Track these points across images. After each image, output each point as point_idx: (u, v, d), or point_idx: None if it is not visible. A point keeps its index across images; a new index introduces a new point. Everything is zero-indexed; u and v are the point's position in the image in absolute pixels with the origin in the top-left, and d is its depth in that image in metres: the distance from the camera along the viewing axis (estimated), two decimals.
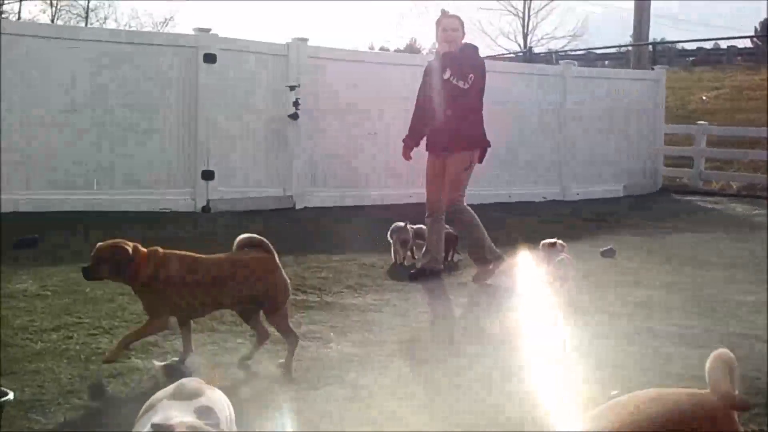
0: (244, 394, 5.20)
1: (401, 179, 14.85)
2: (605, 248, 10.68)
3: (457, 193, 8.89)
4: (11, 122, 11.83)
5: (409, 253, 9.63)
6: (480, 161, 9.02)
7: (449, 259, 9.63)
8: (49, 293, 7.44)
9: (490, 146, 9.03)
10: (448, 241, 9.41)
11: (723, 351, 3.14)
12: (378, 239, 9.93)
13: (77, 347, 5.97)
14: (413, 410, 5.04)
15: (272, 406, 5.01)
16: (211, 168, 13.21)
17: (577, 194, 17.00)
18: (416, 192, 14.89)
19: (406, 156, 9.20)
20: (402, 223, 9.61)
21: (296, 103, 13.75)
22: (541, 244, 8.33)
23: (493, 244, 9.00)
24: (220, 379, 5.42)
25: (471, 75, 8.69)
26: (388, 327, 6.92)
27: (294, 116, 13.77)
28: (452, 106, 8.72)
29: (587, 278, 9.12)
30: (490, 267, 8.83)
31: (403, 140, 9.22)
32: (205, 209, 13.07)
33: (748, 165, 19.89)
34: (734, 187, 19.19)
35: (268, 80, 13.72)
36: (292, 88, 13.77)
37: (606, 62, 43.36)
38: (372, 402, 5.15)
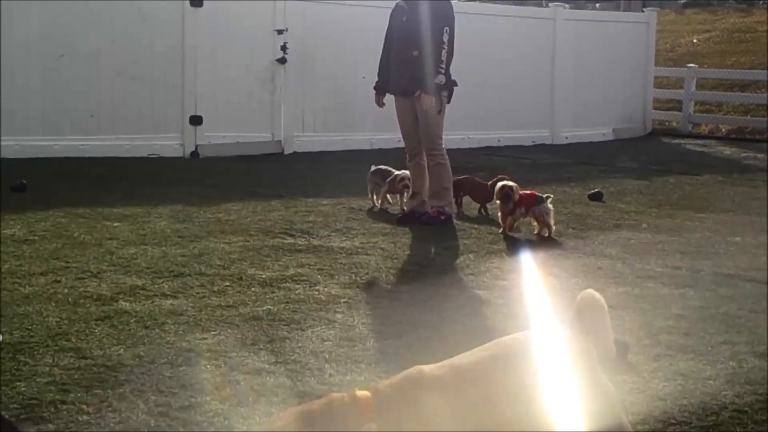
0: (231, 334, 5.24)
1: (391, 123, 14.76)
2: (593, 191, 10.70)
3: (435, 135, 8.84)
4: None
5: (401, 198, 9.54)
6: (448, 101, 8.90)
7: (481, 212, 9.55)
8: (36, 238, 7.45)
9: (456, 86, 8.93)
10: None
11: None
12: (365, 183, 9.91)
13: (65, 291, 5.99)
14: (400, 350, 5.08)
15: (259, 346, 5.05)
16: (199, 113, 13.14)
17: (566, 138, 16.98)
18: None
19: (379, 103, 9.20)
20: (373, 167, 9.67)
21: (284, 48, 13.66)
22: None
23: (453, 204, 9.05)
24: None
25: (447, 27, 8.61)
26: (375, 270, 6.95)
27: (282, 60, 13.69)
28: (419, 48, 8.64)
29: (576, 222, 9.16)
30: (442, 218, 8.77)
31: (374, 88, 9.20)
32: (194, 154, 13.04)
33: (738, 108, 19.86)
34: (723, 130, 19.19)
35: (255, 24, 13.60)
36: (279, 32, 13.66)
37: (597, 5, 43.04)
38: (360, 342, 5.20)
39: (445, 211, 8.84)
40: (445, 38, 8.57)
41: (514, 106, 16.32)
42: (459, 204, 9.50)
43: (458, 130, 15.38)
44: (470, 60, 15.58)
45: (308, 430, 2.73)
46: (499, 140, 16.03)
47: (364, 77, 14.36)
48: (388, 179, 9.36)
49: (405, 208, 9.21)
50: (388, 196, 9.54)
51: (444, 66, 8.64)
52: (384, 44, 9.12)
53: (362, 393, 2.86)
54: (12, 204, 8.73)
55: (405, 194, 9.34)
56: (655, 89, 19.11)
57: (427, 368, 2.95)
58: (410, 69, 8.71)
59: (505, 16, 16.59)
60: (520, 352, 2.99)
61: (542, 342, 3.06)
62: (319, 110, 14.36)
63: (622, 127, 18.02)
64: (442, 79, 8.64)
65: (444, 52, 8.58)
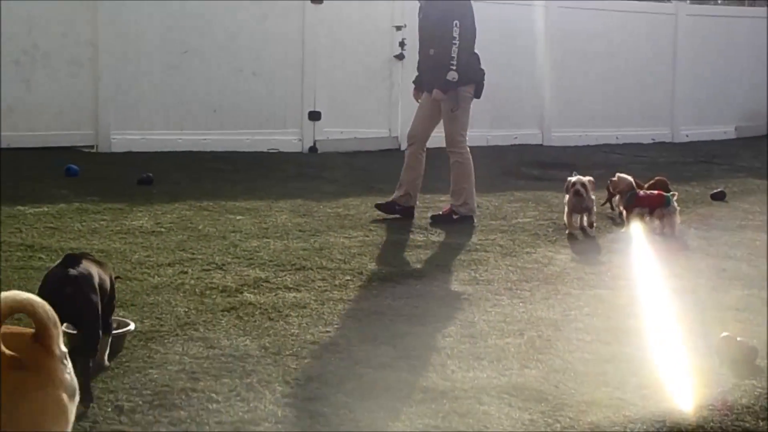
0: (353, 328, 5.30)
1: (507, 121, 14.78)
2: (715, 191, 10.48)
3: (456, 132, 8.73)
4: (124, 64, 12.10)
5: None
6: (477, 96, 8.78)
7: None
8: (163, 230, 7.66)
9: (482, 79, 8.73)
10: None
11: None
12: (484, 180, 9.84)
13: (192, 282, 6.15)
14: (522, 347, 5.07)
15: (381, 341, 5.10)
16: (317, 109, 13.31)
17: (687, 136, 16.63)
18: (521, 133, 14.88)
19: (416, 97, 9.04)
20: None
21: (402, 44, 13.71)
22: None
23: (474, 202, 8.77)
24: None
25: (456, 21, 8.45)
26: (494, 266, 6.94)
27: (400, 57, 13.75)
28: (434, 45, 8.58)
29: (699, 222, 8.99)
30: (454, 217, 8.59)
31: (413, 82, 9.13)
32: (312, 150, 13.20)
33: None
34: None
35: (374, 20, 13.70)
36: (398, 28, 13.73)
37: (719, 0, 42.04)
38: (481, 339, 5.20)
39: (459, 210, 8.64)
40: (456, 33, 8.43)
41: (633, 102, 16.07)
42: (610, 201, 9.27)
43: (576, 127, 15.28)
44: (590, 56, 15.44)
45: None
46: (617, 138, 15.79)
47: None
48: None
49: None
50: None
51: (455, 62, 8.46)
52: (418, 41, 9.08)
53: None
54: (139, 196, 9.00)
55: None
56: None
57: None
58: (429, 67, 8.72)
59: (626, 12, 16.32)
60: None
61: None
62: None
63: (745, 125, 17.57)
64: (454, 75, 8.47)
65: (454, 48, 8.43)
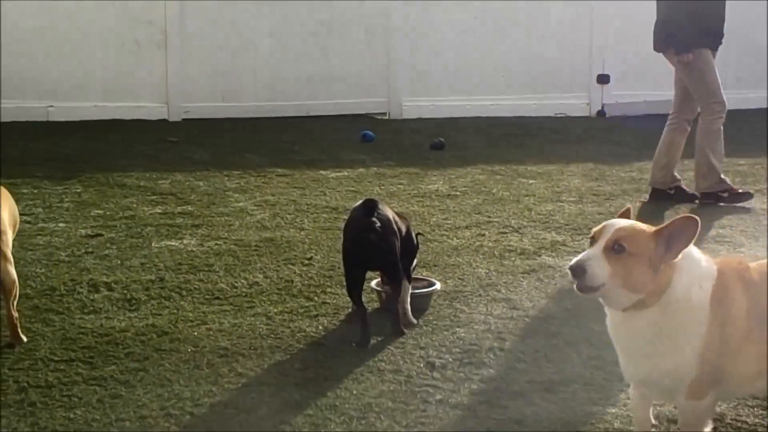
0: None
1: None
2: None
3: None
4: (414, 32, 12.34)
5: None
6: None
7: None
8: (458, 193, 7.81)
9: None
10: None
11: None
12: None
13: (490, 244, 6.25)
14: None
15: None
16: (606, 72, 13.05)
17: None
18: None
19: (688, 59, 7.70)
20: None
21: None
22: None
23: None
24: None
25: None
26: None
27: None
28: None
29: None
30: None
31: (684, 43, 7.75)
32: (600, 113, 12.98)
33: None
34: None
35: None
36: None
37: None
38: None
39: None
40: None
41: None
42: None
43: None
44: None
45: None
46: None
47: None
48: None
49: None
50: None
51: None
52: None
53: None
54: (432, 161, 9.22)
55: None
56: None
57: None
58: (722, 14, 7.62)
59: None
60: None
61: None
62: (732, 66, 13.72)
63: None
64: None
65: None
